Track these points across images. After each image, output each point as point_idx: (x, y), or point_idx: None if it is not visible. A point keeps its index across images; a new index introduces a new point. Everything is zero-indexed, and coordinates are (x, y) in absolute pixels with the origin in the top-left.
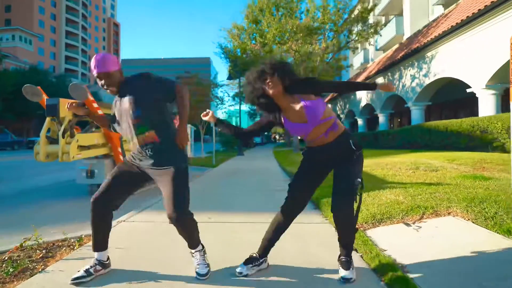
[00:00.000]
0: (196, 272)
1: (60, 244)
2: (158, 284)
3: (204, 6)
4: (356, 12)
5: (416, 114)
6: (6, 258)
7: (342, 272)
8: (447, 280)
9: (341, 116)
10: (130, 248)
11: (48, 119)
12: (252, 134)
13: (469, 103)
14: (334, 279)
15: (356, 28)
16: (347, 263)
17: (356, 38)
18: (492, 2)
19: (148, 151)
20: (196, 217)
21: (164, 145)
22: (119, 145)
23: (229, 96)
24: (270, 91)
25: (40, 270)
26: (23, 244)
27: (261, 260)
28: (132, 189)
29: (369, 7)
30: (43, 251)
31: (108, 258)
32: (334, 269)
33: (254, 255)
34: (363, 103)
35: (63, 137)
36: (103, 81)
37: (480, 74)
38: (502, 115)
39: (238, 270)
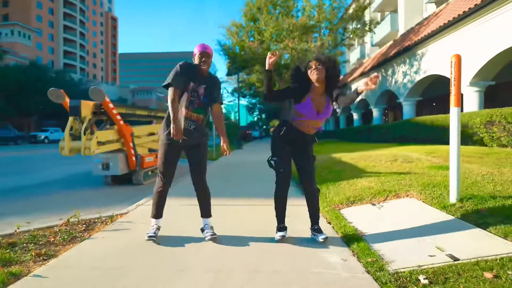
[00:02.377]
0: (206, 236)
1: (95, 221)
2: (184, 238)
3: (203, 1)
4: (351, 10)
5: (408, 109)
6: (58, 230)
7: (322, 235)
8: (389, 238)
9: (337, 110)
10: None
11: (71, 118)
12: (274, 95)
13: None
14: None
15: (351, 26)
16: (319, 229)
17: (351, 35)
18: (475, 4)
19: (192, 125)
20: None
21: (202, 127)
22: (131, 141)
23: (227, 92)
24: (315, 76)
25: (87, 237)
26: (69, 220)
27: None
28: (176, 160)
29: (364, 4)
30: (84, 225)
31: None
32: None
33: (282, 225)
34: (358, 98)
35: (84, 134)
36: (203, 59)
37: (465, 72)
38: (481, 111)
39: (279, 234)
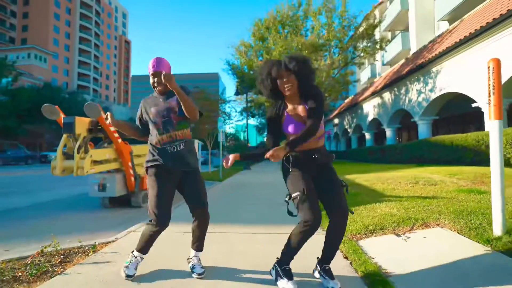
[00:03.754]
0: (195, 272)
1: (76, 250)
2: (168, 282)
3: (212, 22)
4: (361, 29)
5: (423, 129)
6: (29, 262)
7: (330, 283)
8: (424, 282)
9: (349, 130)
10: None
11: (64, 136)
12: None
13: (476, 118)
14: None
15: (362, 45)
16: (329, 272)
17: (362, 54)
18: (494, 19)
19: (180, 145)
20: None
21: (191, 144)
22: (129, 160)
23: (236, 111)
24: (287, 93)
25: (59, 272)
26: (44, 250)
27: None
28: (172, 197)
29: (374, 23)
30: (61, 256)
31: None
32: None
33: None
34: (370, 117)
35: (78, 152)
36: (155, 79)
37: (485, 89)
38: (506, 129)
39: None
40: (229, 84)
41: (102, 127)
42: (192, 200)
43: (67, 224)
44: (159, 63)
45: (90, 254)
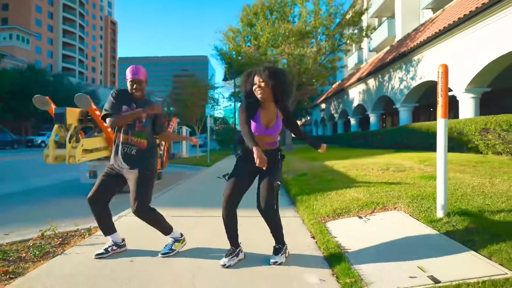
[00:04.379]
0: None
1: (73, 234)
2: (156, 258)
3: (202, 5)
4: (348, 16)
5: (404, 115)
6: (31, 244)
7: (274, 258)
8: (372, 256)
9: (335, 115)
10: (132, 237)
11: (56, 125)
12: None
13: (453, 106)
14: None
15: (348, 32)
16: (276, 250)
17: (348, 41)
18: (470, 11)
19: (133, 150)
20: (184, 212)
21: (144, 152)
22: None
23: (223, 97)
24: (259, 96)
25: (60, 253)
26: (44, 234)
27: (236, 251)
28: (116, 188)
29: (361, 10)
30: (60, 239)
31: (123, 240)
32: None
33: (231, 248)
34: (355, 103)
35: (70, 142)
36: (134, 86)
37: (461, 79)
38: (476, 118)
39: (221, 262)
40: (218, 69)
41: (92, 117)
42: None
43: (61, 209)
44: (137, 71)
45: (86, 236)
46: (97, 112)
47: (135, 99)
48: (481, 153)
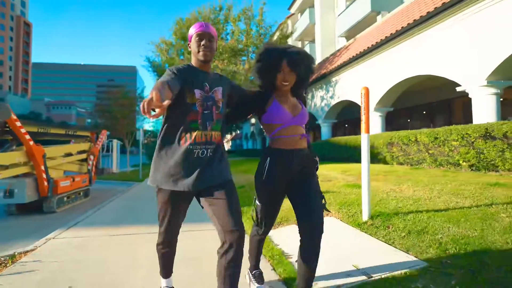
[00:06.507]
0: None
1: None
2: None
3: (132, 13)
4: (275, 37)
5: (325, 130)
6: None
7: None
8: None
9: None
10: (66, 261)
11: None
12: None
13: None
14: None
15: None
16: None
17: None
18: (377, 42)
19: (209, 151)
20: (132, 230)
21: (221, 151)
22: (42, 163)
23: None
24: (285, 88)
25: None
26: None
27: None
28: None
29: (287, 33)
30: None
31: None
32: None
33: (256, 271)
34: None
35: None
36: (204, 41)
37: (370, 100)
38: (383, 133)
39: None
40: (148, 80)
41: (10, 128)
42: (223, 219)
43: None
44: (208, 25)
45: (9, 265)
46: (18, 123)
47: (206, 73)
48: (388, 164)
